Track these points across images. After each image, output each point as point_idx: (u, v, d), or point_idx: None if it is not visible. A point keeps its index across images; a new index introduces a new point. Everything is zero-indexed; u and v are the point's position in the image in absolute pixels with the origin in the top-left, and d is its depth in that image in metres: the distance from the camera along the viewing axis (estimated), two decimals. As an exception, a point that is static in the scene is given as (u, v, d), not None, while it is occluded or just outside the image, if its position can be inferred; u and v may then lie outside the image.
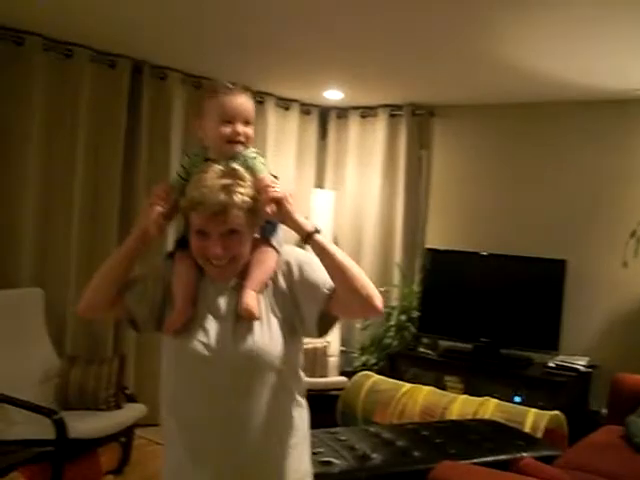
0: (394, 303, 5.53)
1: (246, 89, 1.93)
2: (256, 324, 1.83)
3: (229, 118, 1.87)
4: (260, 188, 1.80)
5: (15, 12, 3.82)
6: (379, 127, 5.74)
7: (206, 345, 1.82)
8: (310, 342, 5.21)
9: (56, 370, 4.05)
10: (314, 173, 6.01)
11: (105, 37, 4.23)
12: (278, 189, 1.80)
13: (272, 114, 5.55)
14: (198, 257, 1.83)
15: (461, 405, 4.53)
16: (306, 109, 5.88)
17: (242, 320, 1.83)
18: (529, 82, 4.60)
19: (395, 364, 5.28)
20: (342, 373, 5.43)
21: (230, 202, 1.74)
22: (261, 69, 4.81)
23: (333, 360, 5.42)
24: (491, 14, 3.33)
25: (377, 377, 4.93)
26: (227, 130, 1.86)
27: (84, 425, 3.71)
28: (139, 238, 1.86)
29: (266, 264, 1.92)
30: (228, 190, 1.75)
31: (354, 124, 5.89)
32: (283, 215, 1.78)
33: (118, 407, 4.03)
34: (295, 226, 1.77)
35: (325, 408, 4.60)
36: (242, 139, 1.89)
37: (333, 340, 5.41)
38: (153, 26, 3.97)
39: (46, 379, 4.01)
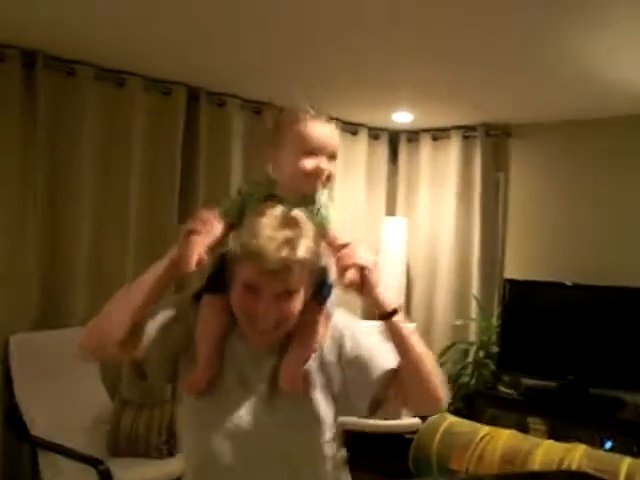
0: (472, 338, 5.17)
1: (331, 118, 1.65)
2: (296, 399, 1.59)
3: (313, 150, 1.59)
4: (336, 251, 1.55)
5: (66, 42, 3.73)
6: (452, 150, 5.41)
7: (235, 420, 1.59)
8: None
9: (108, 415, 3.86)
10: (384, 200, 5.72)
11: (159, 64, 4.10)
12: (362, 255, 1.53)
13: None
14: (240, 314, 1.57)
15: (545, 451, 4.09)
16: (375, 133, 5.61)
17: (279, 393, 1.59)
18: (617, 95, 4.19)
19: (472, 404, 4.88)
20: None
21: (293, 259, 1.49)
22: (325, 92, 4.54)
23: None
24: (575, 16, 2.98)
25: (453, 419, 4.55)
26: (309, 164, 1.58)
27: (132, 475, 3.50)
28: (170, 269, 1.57)
29: (316, 329, 1.66)
30: (292, 245, 1.49)
31: (425, 147, 5.58)
32: (363, 287, 1.53)
33: (170, 455, 3.78)
34: (375, 302, 1.56)
35: (397, 453, 4.29)
36: (324, 177, 1.61)
37: (406, 378, 5.05)
38: (208, 52, 3.81)
39: (98, 424, 3.82)
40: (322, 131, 1.62)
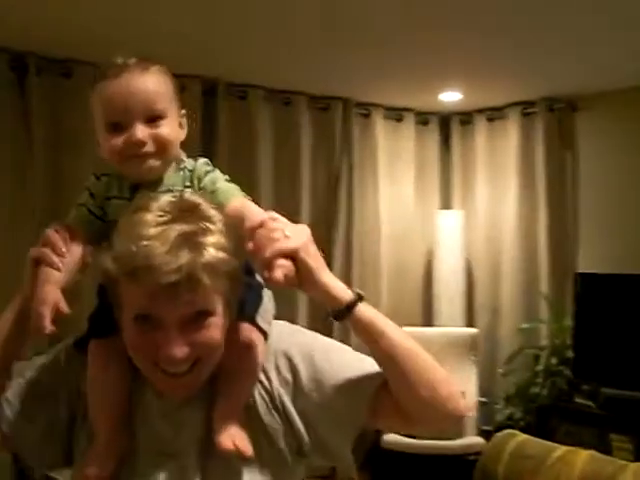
0: (542, 342, 4.63)
1: (145, 63, 1.20)
2: (237, 463, 1.17)
3: (118, 119, 1.17)
4: (248, 235, 1.09)
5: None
6: (510, 130, 4.90)
7: None
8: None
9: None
10: (438, 192, 5.21)
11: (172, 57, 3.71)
12: (287, 232, 1.09)
13: (381, 128, 4.84)
14: (139, 359, 1.12)
15: (634, 475, 3.49)
16: (423, 118, 5.08)
17: (212, 457, 1.17)
18: None
19: (545, 419, 4.34)
20: (481, 432, 4.54)
21: (199, 264, 1.03)
22: (361, 75, 4.18)
23: (470, 415, 4.52)
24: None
25: (523, 437, 3.96)
26: (119, 140, 1.17)
27: None
28: (18, 329, 1.17)
29: (250, 359, 1.20)
30: (194, 243, 1.04)
31: (481, 130, 5.06)
32: (302, 278, 1.10)
33: None
34: (324, 293, 1.13)
35: (460, 478, 3.80)
36: (150, 149, 1.17)
37: (469, 389, 4.54)
38: (227, 39, 3.47)
39: None
40: (126, 86, 1.17)
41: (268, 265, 1.06)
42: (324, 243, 4.48)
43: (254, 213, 1.15)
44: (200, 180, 1.22)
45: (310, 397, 1.19)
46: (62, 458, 1.25)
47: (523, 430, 3.99)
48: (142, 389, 1.20)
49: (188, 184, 1.22)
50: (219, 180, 1.23)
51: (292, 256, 1.07)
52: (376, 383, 1.18)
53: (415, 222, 5.00)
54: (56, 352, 1.29)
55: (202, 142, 4.05)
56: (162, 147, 1.19)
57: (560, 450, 3.71)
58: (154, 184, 1.20)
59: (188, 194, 1.15)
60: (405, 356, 1.14)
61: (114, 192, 1.22)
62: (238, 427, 1.15)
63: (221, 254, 1.07)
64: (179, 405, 1.18)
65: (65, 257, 1.15)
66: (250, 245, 1.08)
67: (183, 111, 1.26)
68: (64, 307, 1.09)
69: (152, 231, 1.04)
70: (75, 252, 1.17)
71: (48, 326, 1.07)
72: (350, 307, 1.12)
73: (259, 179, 4.27)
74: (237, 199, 1.20)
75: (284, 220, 1.12)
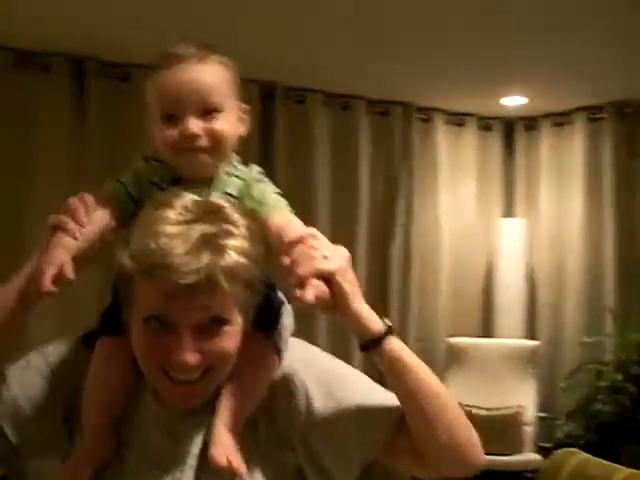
0: (606, 357, 4.43)
1: (208, 49, 1.16)
2: None
3: (173, 110, 1.12)
4: (286, 250, 1.05)
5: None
6: (577, 136, 4.73)
7: None
8: (497, 406, 4.31)
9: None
10: (500, 200, 5.06)
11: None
12: (328, 252, 1.03)
13: (442, 133, 4.73)
14: (146, 363, 1.07)
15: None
16: (485, 123, 4.95)
17: (210, 474, 1.09)
18: None
19: (606, 437, 4.13)
20: (540, 448, 4.38)
21: (220, 267, 0.99)
22: (422, 78, 4.09)
23: (528, 430, 4.38)
24: None
25: (584, 456, 3.78)
26: (173, 132, 1.12)
27: None
28: (22, 294, 1.08)
29: (259, 376, 1.15)
30: (216, 246, 0.99)
31: (546, 136, 4.90)
32: (336, 302, 1.04)
33: None
34: (355, 321, 1.06)
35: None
36: (204, 143, 1.12)
37: (527, 403, 4.42)
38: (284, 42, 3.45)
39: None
40: (182, 76, 1.11)
41: (301, 284, 0.99)
42: (381, 252, 4.41)
43: (295, 229, 1.09)
44: (250, 188, 1.16)
45: (321, 427, 1.13)
46: (58, 453, 1.16)
47: (583, 448, 3.81)
48: (141, 395, 1.14)
49: (232, 192, 1.16)
50: (269, 192, 1.16)
51: (327, 278, 1.01)
52: (393, 418, 1.12)
53: (476, 230, 4.86)
54: (60, 348, 1.22)
55: (259, 146, 4.00)
56: (216, 142, 1.13)
57: (624, 473, 3.55)
58: (199, 183, 1.13)
59: (215, 197, 1.10)
60: (429, 394, 1.08)
61: (156, 179, 1.17)
62: (234, 444, 1.08)
63: (242, 259, 1.01)
64: (179, 416, 1.12)
65: (84, 226, 1.08)
66: (286, 260, 1.02)
67: (244, 105, 1.19)
68: (69, 271, 1.01)
69: (173, 229, 0.98)
70: (97, 222, 1.11)
71: (48, 285, 1.00)
72: (380, 339, 1.06)
73: (316, 184, 4.21)
74: (283, 213, 1.14)
75: (325, 240, 1.05)
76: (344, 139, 4.33)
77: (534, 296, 4.90)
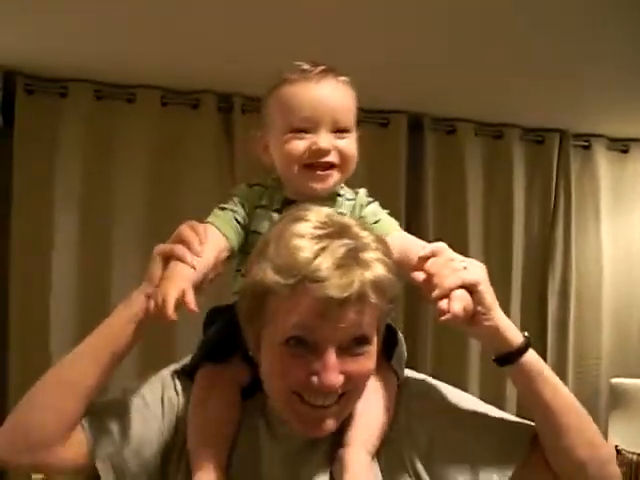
0: None
1: (337, 72, 1.16)
2: None
3: (304, 122, 1.11)
4: (419, 265, 1.03)
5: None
6: None
7: None
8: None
9: None
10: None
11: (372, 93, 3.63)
12: (465, 264, 1.01)
13: (604, 160, 4.38)
14: (278, 388, 1.02)
15: None
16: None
17: None
18: None
19: None
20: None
21: (368, 281, 0.96)
22: (580, 103, 3.82)
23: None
24: None
25: None
26: (300, 144, 1.10)
27: None
28: (137, 322, 1.05)
29: (384, 405, 1.10)
30: (361, 260, 0.96)
31: None
32: (476, 314, 1.01)
33: None
34: (494, 334, 1.02)
35: None
36: (334, 159, 1.11)
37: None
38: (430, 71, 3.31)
39: None
40: (318, 91, 1.10)
41: (446, 296, 0.96)
42: (538, 287, 4.16)
43: (420, 244, 1.08)
44: (362, 209, 1.16)
45: (450, 460, 1.07)
46: None
47: None
48: (252, 432, 1.07)
49: (344, 212, 1.14)
50: (381, 212, 1.18)
51: (470, 289, 0.98)
52: (527, 440, 1.06)
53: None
54: (154, 382, 1.18)
55: (407, 177, 3.91)
56: (344, 161, 1.13)
57: None
58: (313, 202, 1.10)
59: (339, 213, 1.08)
60: (568, 410, 1.03)
61: (264, 202, 1.15)
62: (369, 475, 1.03)
63: (388, 273, 0.98)
64: (299, 450, 1.06)
65: (200, 256, 1.04)
66: (420, 275, 0.99)
67: (359, 132, 1.20)
68: (191, 300, 0.97)
69: (319, 243, 0.95)
70: (211, 252, 1.07)
71: (171, 312, 0.95)
72: (521, 351, 1.01)
73: (468, 217, 4.01)
74: (399, 231, 1.15)
75: (455, 253, 1.03)
76: (496, 169, 4.11)
77: None
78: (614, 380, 4.20)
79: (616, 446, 3.62)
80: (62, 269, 3.32)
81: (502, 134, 4.09)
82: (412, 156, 3.93)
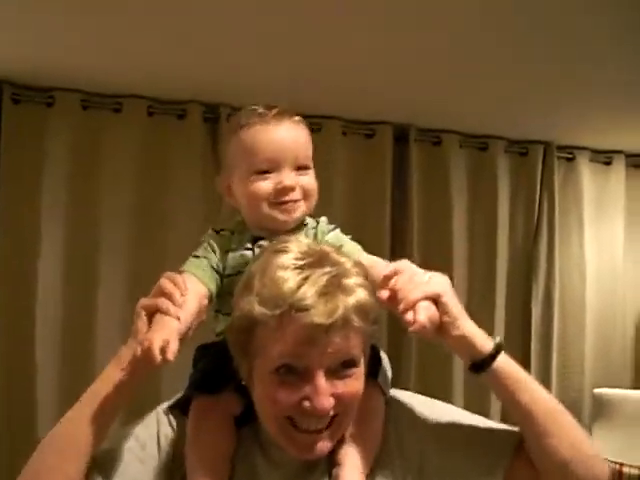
0: None
1: (291, 113, 1.22)
2: None
3: (268, 164, 1.17)
4: (383, 284, 1.05)
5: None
6: None
7: None
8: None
9: None
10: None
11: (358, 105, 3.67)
12: (427, 278, 1.06)
13: (587, 172, 4.42)
14: (271, 416, 1.05)
15: None
16: (636, 161, 4.57)
17: None
18: None
19: None
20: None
21: (351, 306, 1.00)
22: (565, 115, 3.87)
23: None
24: None
25: None
26: (265, 185, 1.16)
27: None
28: (131, 374, 1.08)
29: (374, 424, 1.13)
30: (343, 286, 1.00)
31: None
32: (443, 324, 1.04)
33: None
34: (464, 342, 1.05)
35: None
36: (298, 196, 1.18)
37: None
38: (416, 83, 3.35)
39: None
40: (278, 134, 1.17)
41: (411, 309, 1.00)
42: (522, 297, 4.19)
43: (383, 264, 1.13)
44: (323, 235, 1.21)
45: (439, 468, 1.11)
46: None
47: None
48: (249, 460, 1.10)
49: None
50: (343, 237, 1.23)
51: (435, 300, 1.02)
52: (511, 447, 1.08)
53: (626, 276, 4.48)
54: (146, 426, 1.19)
55: (393, 188, 3.88)
56: (307, 195, 1.20)
57: None
58: (283, 235, 1.16)
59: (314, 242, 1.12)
60: (547, 411, 1.04)
61: (233, 245, 1.19)
62: None
63: (369, 297, 1.02)
64: (297, 471, 1.09)
65: (182, 308, 1.07)
66: (385, 293, 1.02)
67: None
68: (172, 352, 0.99)
69: (301, 273, 0.99)
70: (193, 302, 1.10)
71: (157, 354, 0.98)
72: (493, 357, 1.04)
73: (452, 228, 3.99)
74: (362, 255, 1.19)
75: (418, 268, 1.07)
76: (481, 180, 4.14)
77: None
78: (597, 390, 4.23)
79: (599, 456, 3.64)
80: (48, 278, 3.33)
81: (487, 146, 4.13)
82: (397, 167, 3.94)
